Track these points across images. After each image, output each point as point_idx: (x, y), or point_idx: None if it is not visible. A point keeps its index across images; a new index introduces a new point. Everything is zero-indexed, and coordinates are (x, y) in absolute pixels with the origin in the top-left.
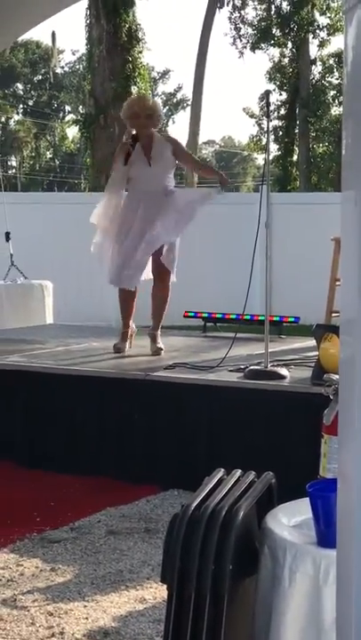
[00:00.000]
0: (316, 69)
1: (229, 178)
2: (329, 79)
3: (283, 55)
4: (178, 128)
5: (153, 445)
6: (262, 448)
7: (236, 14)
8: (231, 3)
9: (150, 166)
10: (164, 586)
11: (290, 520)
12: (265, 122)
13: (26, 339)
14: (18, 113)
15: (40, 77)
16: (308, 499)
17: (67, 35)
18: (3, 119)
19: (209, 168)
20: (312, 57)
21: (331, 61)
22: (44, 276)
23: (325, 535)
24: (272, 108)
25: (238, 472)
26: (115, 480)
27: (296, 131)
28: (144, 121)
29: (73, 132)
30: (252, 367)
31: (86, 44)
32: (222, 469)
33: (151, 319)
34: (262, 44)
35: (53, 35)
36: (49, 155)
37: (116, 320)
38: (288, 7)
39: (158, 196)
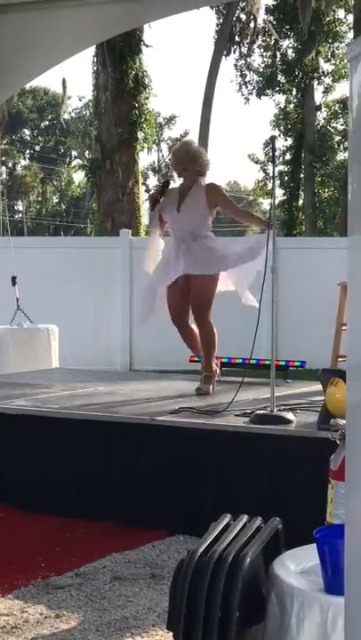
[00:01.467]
0: (322, 115)
1: (235, 221)
2: (334, 125)
3: (288, 101)
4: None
5: (159, 490)
6: (269, 493)
7: (242, 61)
8: (238, 50)
9: (178, 212)
10: (170, 633)
11: (297, 567)
12: (270, 167)
13: (31, 383)
14: (25, 158)
15: (47, 123)
16: (315, 545)
17: (74, 81)
18: (10, 164)
19: (248, 214)
20: (317, 103)
21: (336, 107)
22: (50, 320)
23: (333, 582)
24: (277, 153)
25: (245, 517)
26: (120, 525)
27: (302, 175)
28: (181, 171)
29: (79, 176)
30: (258, 412)
31: (93, 91)
32: (229, 515)
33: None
34: (268, 91)
35: (64, 81)
36: (55, 199)
37: (121, 364)
38: (293, 54)
39: (187, 241)
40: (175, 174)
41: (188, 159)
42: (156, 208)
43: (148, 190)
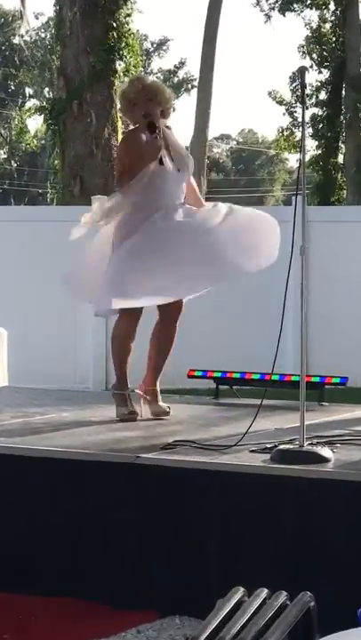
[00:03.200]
0: None
1: (251, 185)
2: None
3: (323, 19)
4: (181, 118)
5: (146, 554)
6: (296, 559)
7: None
8: None
9: (179, 171)
10: None
11: None
12: (299, 110)
13: None
14: None
15: None
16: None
17: None
18: None
19: None
20: None
21: None
22: None
23: None
24: (309, 91)
25: (264, 592)
26: (92, 602)
27: (342, 121)
28: (146, 105)
29: (36, 123)
30: (282, 446)
31: (55, 5)
32: (241, 588)
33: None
34: (295, 5)
35: None
36: (3, 154)
37: (94, 382)
38: None
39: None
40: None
41: (154, 86)
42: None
43: None
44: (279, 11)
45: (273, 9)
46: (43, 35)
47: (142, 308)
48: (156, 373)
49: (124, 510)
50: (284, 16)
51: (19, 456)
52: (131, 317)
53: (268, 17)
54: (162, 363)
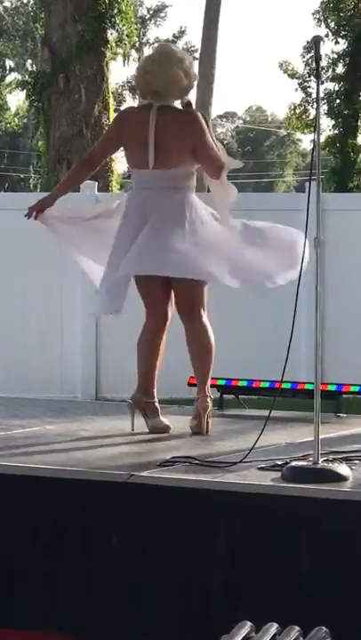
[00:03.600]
0: None
1: (259, 169)
2: None
3: None
4: None
5: (140, 584)
6: (310, 590)
7: None
8: None
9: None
10: None
11: None
12: (313, 84)
13: None
14: None
15: None
16: None
17: None
18: None
19: None
20: None
21: None
22: None
23: None
24: (324, 63)
25: (274, 627)
26: (78, 637)
27: None
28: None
29: (17, 100)
30: (294, 463)
31: None
32: (248, 622)
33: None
34: None
35: None
36: None
37: (83, 391)
38: None
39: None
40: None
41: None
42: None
43: None
44: None
45: None
46: (25, 0)
47: (167, 305)
48: (204, 379)
49: (115, 535)
50: None
51: None
52: (156, 314)
53: None
54: (207, 366)
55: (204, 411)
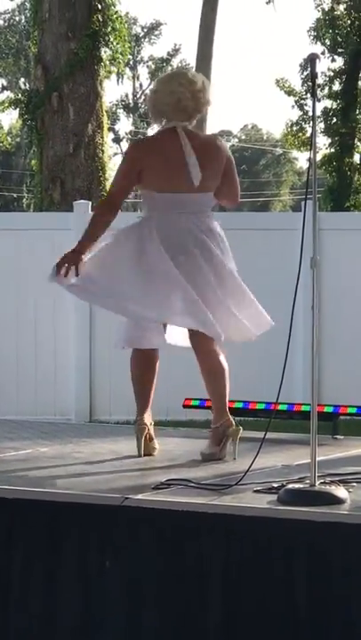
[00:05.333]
0: None
1: (255, 189)
2: None
3: (337, 0)
4: None
5: (135, 613)
6: (310, 619)
7: None
8: None
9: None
10: None
11: None
12: (309, 102)
13: None
14: None
15: None
16: None
17: None
18: None
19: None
20: None
21: None
22: None
23: None
24: (321, 80)
25: None
26: None
27: (358, 116)
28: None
29: (10, 118)
30: (290, 485)
31: None
32: None
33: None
34: None
35: None
36: None
37: (77, 412)
38: None
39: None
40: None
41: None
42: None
43: (117, 139)
44: None
45: None
46: (18, 18)
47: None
48: (221, 406)
49: (109, 560)
50: None
51: None
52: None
53: None
54: (223, 392)
55: (235, 435)
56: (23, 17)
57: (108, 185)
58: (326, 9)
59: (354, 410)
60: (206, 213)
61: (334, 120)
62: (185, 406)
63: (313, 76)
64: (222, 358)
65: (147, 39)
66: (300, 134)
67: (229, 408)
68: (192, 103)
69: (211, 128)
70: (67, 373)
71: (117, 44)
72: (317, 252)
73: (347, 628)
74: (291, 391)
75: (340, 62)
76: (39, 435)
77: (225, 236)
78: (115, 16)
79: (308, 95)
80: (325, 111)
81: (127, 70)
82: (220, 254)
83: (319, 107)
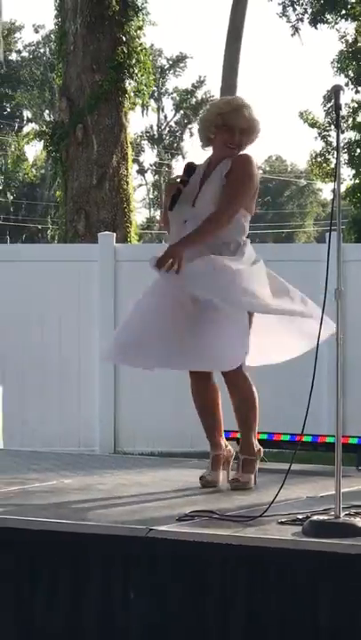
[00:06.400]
0: None
1: (279, 220)
2: None
3: (360, 32)
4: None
5: None
6: None
7: None
8: None
9: (193, 205)
10: None
11: None
12: (334, 133)
13: None
14: None
15: None
16: None
17: (25, 3)
18: None
19: (212, 226)
20: None
21: None
22: None
23: None
24: (345, 112)
25: None
26: None
27: None
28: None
29: (35, 150)
30: (315, 517)
31: (56, 17)
32: None
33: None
34: (328, 16)
35: None
36: None
37: (101, 443)
38: None
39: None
40: (201, 143)
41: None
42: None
43: (142, 170)
44: (310, 22)
45: (301, 20)
46: (43, 50)
47: None
48: (247, 437)
49: (132, 592)
50: (316, 28)
51: (9, 529)
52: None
53: (296, 29)
54: (249, 423)
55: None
56: (47, 49)
57: (132, 217)
58: (350, 41)
59: None
60: None
61: (358, 151)
62: None
63: (337, 107)
64: (253, 388)
65: (172, 71)
66: (325, 165)
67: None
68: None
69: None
70: (91, 405)
71: (142, 75)
72: (341, 284)
73: None
74: (315, 422)
75: None
76: (63, 466)
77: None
78: (139, 48)
79: (332, 127)
80: (349, 142)
81: (152, 102)
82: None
83: (343, 138)
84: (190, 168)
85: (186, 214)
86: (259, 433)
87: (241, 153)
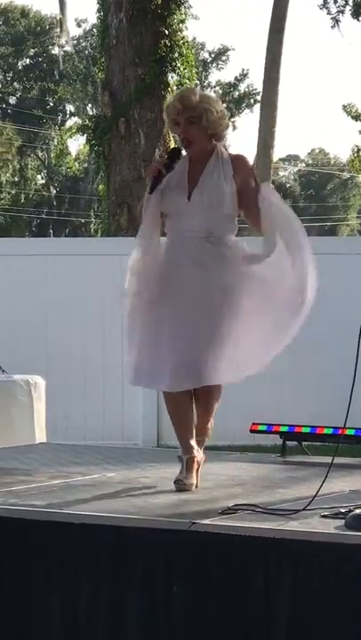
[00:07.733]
0: None
1: (322, 213)
2: None
3: None
4: (242, 137)
5: (201, 637)
6: None
7: None
8: None
9: (189, 200)
10: None
11: None
12: None
13: (4, 467)
14: None
15: (28, 62)
16: None
17: None
18: None
19: (272, 219)
20: None
21: None
22: (33, 369)
23: None
24: None
25: None
26: None
27: None
28: (186, 128)
29: (78, 144)
30: (358, 510)
31: (98, 11)
32: None
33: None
34: None
35: None
36: (41, 179)
37: (144, 437)
38: None
39: (200, 251)
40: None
41: (198, 106)
42: (156, 190)
43: None
44: (352, 14)
45: (342, 12)
46: (85, 44)
47: None
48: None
49: (175, 585)
50: (359, 20)
51: (53, 522)
52: None
53: (337, 21)
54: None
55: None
56: (91, 43)
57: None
58: None
59: None
60: None
61: None
62: (252, 431)
63: None
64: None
65: (214, 64)
66: None
67: (297, 433)
68: None
69: (278, 153)
70: (134, 399)
71: (184, 69)
72: None
73: None
74: (359, 416)
75: None
76: (106, 460)
77: None
78: (181, 42)
79: None
80: None
81: None
82: None
83: None
84: (175, 153)
85: (180, 209)
86: (301, 426)
87: (237, 154)
